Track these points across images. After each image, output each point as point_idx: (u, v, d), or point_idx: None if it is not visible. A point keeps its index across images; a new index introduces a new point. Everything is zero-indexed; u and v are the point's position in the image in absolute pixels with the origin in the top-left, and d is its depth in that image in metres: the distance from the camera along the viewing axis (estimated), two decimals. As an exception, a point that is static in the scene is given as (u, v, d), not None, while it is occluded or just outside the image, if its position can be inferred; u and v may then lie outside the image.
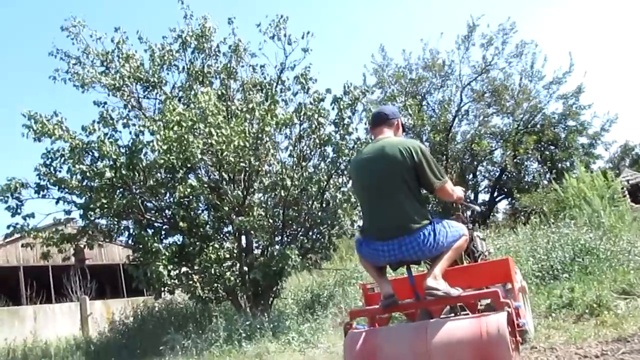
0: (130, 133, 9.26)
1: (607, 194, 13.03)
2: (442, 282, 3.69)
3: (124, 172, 8.84)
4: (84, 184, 8.94)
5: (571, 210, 12.59)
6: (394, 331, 3.97)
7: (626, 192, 25.15)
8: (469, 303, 4.34)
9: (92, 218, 9.41)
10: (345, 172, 9.56)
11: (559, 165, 25.51)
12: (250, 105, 9.21)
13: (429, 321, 4.00)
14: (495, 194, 28.38)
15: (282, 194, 9.41)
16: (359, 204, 4.09)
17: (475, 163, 26.47)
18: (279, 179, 9.58)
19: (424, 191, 4.00)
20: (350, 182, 4.18)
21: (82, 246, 9.78)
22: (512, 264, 4.52)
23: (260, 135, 8.77)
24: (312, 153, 9.67)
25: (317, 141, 9.40)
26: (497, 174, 27.46)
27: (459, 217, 5.13)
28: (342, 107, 9.36)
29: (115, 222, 9.62)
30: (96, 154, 9.01)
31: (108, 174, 8.67)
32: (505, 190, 27.57)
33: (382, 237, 3.72)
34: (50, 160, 9.01)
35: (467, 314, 4.35)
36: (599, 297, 5.64)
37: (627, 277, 6.43)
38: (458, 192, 4.18)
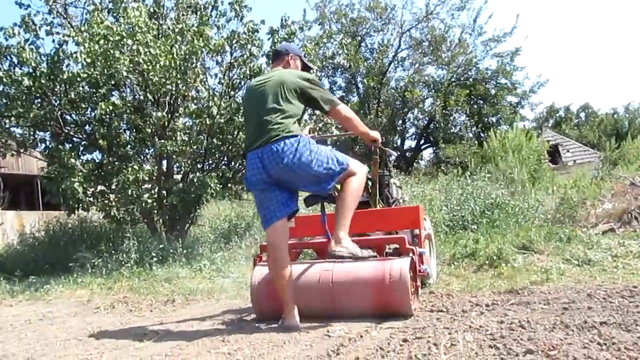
0: (53, 41, 8.79)
1: (526, 152, 13.51)
2: (347, 242, 3.68)
3: (43, 81, 8.40)
4: (0, 89, 8.50)
5: (490, 164, 12.99)
6: (302, 267, 4.05)
7: (545, 152, 26.24)
8: (378, 245, 4.49)
9: (7, 126, 9.03)
10: None
11: (486, 120, 26.22)
12: (180, 26, 8.90)
13: (336, 261, 4.11)
14: (422, 141, 29.00)
15: (208, 122, 9.22)
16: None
17: (405, 110, 26.79)
18: (205, 106, 9.38)
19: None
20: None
21: (-5, 153, 9.40)
22: (421, 211, 4.63)
23: (188, 58, 8.50)
24: (243, 83, 9.47)
25: (248, 72, 9.21)
26: (426, 122, 27.93)
27: (376, 162, 5.18)
28: (276, 40, 9.18)
29: (32, 133, 9.22)
30: (15, 60, 8.53)
31: (26, 82, 8.24)
32: (432, 139, 28.17)
33: (251, 146, 3.72)
34: (-36, 60, 8.45)
35: (375, 256, 4.50)
36: (499, 250, 5.93)
37: (529, 233, 6.73)
38: (374, 133, 4.22)
